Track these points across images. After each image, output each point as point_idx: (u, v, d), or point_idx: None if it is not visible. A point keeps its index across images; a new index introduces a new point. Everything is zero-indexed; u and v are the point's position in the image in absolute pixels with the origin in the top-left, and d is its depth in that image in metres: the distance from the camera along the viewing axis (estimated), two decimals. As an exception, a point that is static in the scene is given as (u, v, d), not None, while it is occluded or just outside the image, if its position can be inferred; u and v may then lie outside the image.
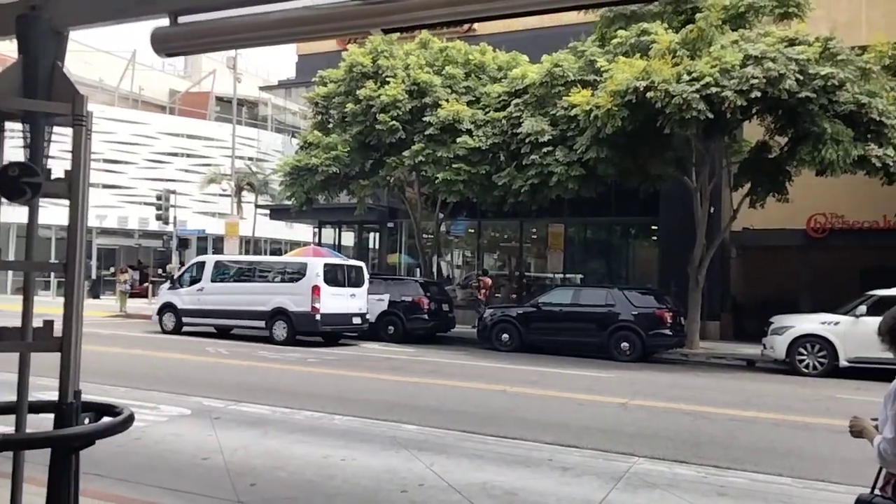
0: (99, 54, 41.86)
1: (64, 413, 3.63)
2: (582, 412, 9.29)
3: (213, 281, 17.71)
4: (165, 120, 42.03)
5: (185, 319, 17.86)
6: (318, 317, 16.34)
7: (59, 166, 3.72)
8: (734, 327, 21.38)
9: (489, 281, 21.38)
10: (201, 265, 18.53)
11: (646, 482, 6.15)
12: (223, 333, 17.37)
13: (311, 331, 16.78)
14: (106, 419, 3.73)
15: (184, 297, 17.96)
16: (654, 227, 22.56)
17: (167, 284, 19.86)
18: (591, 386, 11.59)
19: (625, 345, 15.61)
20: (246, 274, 18.18)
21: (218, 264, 18.52)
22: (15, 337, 3.73)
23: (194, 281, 18.27)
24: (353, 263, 18.31)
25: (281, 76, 36.30)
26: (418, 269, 25.16)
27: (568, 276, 22.46)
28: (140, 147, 38.12)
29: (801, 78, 13.65)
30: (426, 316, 17.84)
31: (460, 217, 23.17)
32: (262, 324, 16.52)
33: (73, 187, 3.72)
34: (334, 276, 17.04)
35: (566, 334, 16.31)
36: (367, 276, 17.93)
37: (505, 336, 16.69)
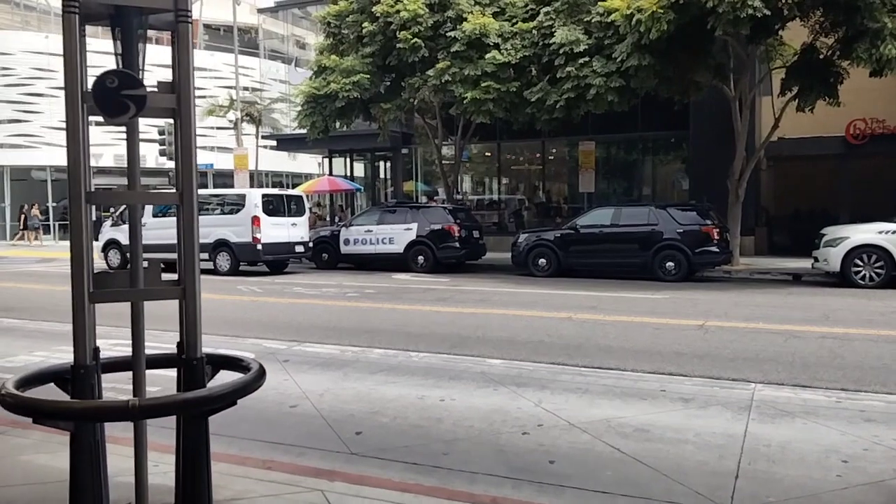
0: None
1: (194, 370, 2.98)
2: (663, 337, 8.73)
3: (154, 216, 17.15)
4: (154, 51, 40.22)
5: (127, 255, 17.08)
6: (259, 247, 16.81)
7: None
8: (768, 241, 20.83)
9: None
10: None
11: (779, 410, 5.60)
12: (169, 267, 16.80)
13: (254, 260, 17.31)
14: (238, 375, 3.09)
15: (126, 233, 17.15)
16: (683, 142, 21.70)
17: (109, 222, 19.72)
18: (654, 309, 11.03)
19: (670, 264, 15.02)
20: None
21: None
22: (124, 283, 3.05)
23: None
24: (292, 193, 19.04)
25: (268, 1, 34.53)
26: (436, 196, 24.43)
27: (587, 196, 21.72)
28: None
29: (863, -32, 12.64)
30: (457, 244, 17.18)
31: (479, 139, 22.19)
32: (205, 255, 16.54)
33: (182, 99, 2.98)
34: (274, 206, 17.48)
35: (607, 256, 15.71)
36: (307, 205, 19.00)
37: (542, 261, 16.08)
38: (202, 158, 32.87)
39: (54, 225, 36.33)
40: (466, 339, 8.52)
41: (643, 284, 14.25)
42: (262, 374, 3.06)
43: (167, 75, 3.10)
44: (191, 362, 2.97)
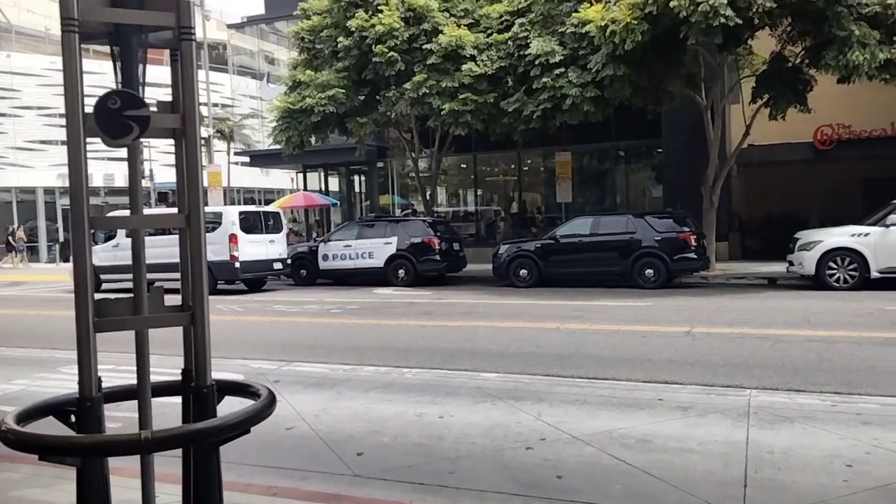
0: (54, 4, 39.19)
1: (205, 399, 2.89)
2: (651, 344, 8.75)
3: (128, 236, 16.71)
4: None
5: (102, 277, 16.77)
6: (237, 265, 16.53)
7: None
8: (741, 247, 21.11)
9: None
10: None
11: (777, 416, 5.62)
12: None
13: (232, 279, 17.05)
14: (250, 402, 3.00)
15: (99, 255, 16.87)
16: (655, 150, 21.95)
17: None
18: (638, 316, 11.08)
19: (649, 272, 15.13)
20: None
21: None
22: (127, 310, 2.95)
23: (109, 238, 17.49)
24: (270, 210, 18.91)
25: (235, 18, 34.40)
26: (411, 210, 24.38)
27: (564, 205, 21.82)
28: (93, 100, 36.00)
29: (830, -22, 12.93)
30: (438, 257, 17.13)
31: (455, 151, 22.20)
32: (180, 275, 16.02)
33: (187, 119, 2.89)
34: (251, 223, 17.30)
35: (587, 265, 15.77)
36: (284, 222, 18.74)
37: (523, 271, 16.10)
38: (168, 176, 32.58)
39: (47, 246, 35.35)
40: (457, 353, 8.46)
41: (624, 292, 14.33)
42: (272, 399, 2.97)
43: (153, 94, 3.01)
44: (201, 390, 2.88)
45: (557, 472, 4.58)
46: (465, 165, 24.83)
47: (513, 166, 24.12)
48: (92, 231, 2.72)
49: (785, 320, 10.32)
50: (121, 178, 29.30)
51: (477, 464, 4.78)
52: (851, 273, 13.96)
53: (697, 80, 16.95)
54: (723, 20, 12.71)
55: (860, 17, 13.55)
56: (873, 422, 5.44)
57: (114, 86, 2.97)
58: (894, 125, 18.74)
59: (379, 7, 16.82)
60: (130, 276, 3.05)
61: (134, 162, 3.06)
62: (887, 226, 13.73)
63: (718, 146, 17.15)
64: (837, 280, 14.04)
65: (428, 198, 20.69)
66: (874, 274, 13.69)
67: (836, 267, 14.10)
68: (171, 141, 2.97)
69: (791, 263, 14.96)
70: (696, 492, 4.17)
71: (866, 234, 13.95)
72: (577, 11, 14.99)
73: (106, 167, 33.36)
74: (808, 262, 14.34)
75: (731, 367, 7.39)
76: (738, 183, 21.79)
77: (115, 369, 5.97)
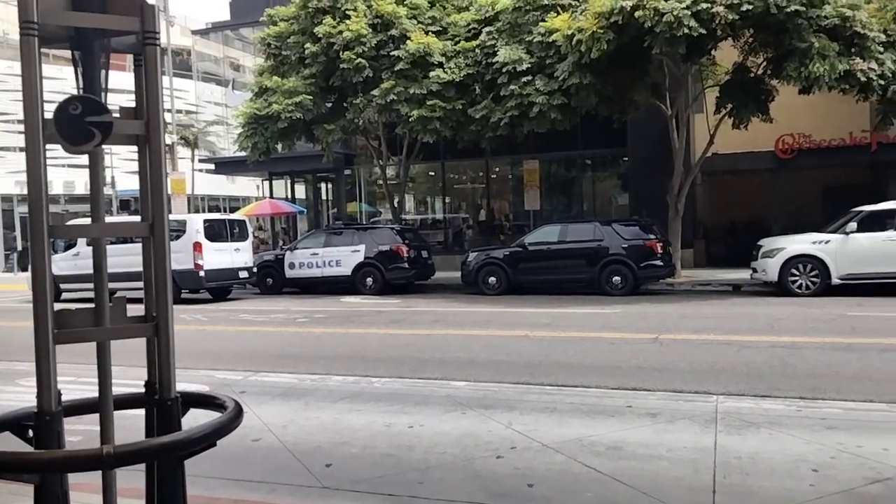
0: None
1: (169, 412, 2.82)
2: (620, 351, 8.81)
3: (89, 244, 16.36)
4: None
5: (62, 286, 16.26)
6: (201, 273, 16.28)
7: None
8: (706, 254, 21.41)
9: None
10: None
11: (744, 421, 5.68)
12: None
13: (196, 287, 16.83)
14: (216, 414, 2.93)
15: (59, 264, 16.43)
16: (621, 159, 22.19)
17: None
18: (607, 323, 11.15)
19: (616, 279, 15.26)
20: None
21: None
22: (88, 321, 2.86)
23: (69, 246, 17.14)
24: (235, 218, 18.61)
25: (199, 23, 34.05)
26: (380, 217, 24.30)
27: (532, 213, 21.96)
28: (55, 105, 35.30)
29: (790, -9, 13.21)
30: (406, 265, 17.07)
31: (423, 158, 22.21)
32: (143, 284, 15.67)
33: (150, 125, 2.82)
34: (216, 231, 17.07)
35: (556, 272, 15.86)
36: (250, 230, 18.53)
37: (492, 279, 16.12)
38: (130, 184, 32.05)
39: (4, 255, 34.37)
40: (426, 362, 8.41)
41: (592, 299, 14.43)
42: (239, 411, 2.90)
43: (115, 100, 2.94)
44: (165, 403, 2.81)
45: (528, 480, 4.56)
46: (433, 173, 24.84)
47: (481, 174, 24.20)
48: (51, 240, 2.64)
49: (750, 326, 10.47)
50: (81, 185, 28.73)
51: (447, 473, 4.74)
52: (813, 280, 14.24)
53: (662, 90, 17.19)
54: (686, 31, 12.93)
55: (819, 29, 13.87)
56: (837, 426, 5.52)
57: (75, 91, 2.88)
58: (853, 135, 19.18)
59: (347, 13, 16.77)
60: (91, 285, 2.96)
61: (96, 169, 2.98)
62: (847, 233, 14.03)
63: (683, 155, 17.39)
64: (800, 286, 14.30)
65: (396, 205, 20.65)
66: (835, 280, 13.98)
67: (798, 274, 14.37)
68: (134, 148, 2.90)
69: (755, 270, 15.22)
70: (666, 498, 4.18)
71: (827, 242, 14.24)
72: (543, 20, 15.13)
73: (66, 174, 32.69)
74: (771, 268, 14.59)
75: (698, 373, 7.47)
76: (702, 191, 22.13)
77: (76, 381, 5.81)
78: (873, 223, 14.09)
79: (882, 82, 14.14)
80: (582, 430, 5.59)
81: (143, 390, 2.99)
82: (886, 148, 18.77)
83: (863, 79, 13.96)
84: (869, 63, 13.96)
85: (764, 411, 5.98)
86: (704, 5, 12.99)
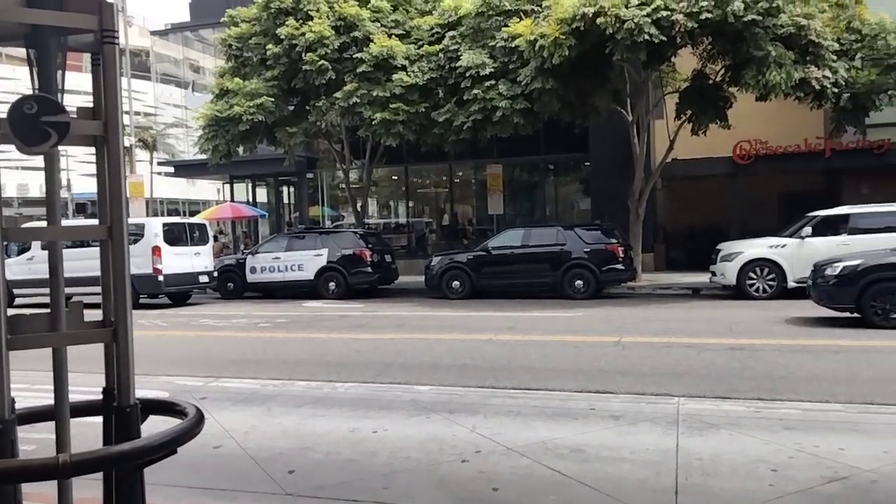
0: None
1: (128, 419, 2.74)
2: (583, 355, 8.87)
3: (44, 248, 16.02)
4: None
5: (15, 291, 15.79)
6: (160, 278, 16.03)
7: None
8: (666, 258, 21.74)
9: None
10: None
11: (705, 423, 5.75)
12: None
13: (155, 292, 16.55)
14: (176, 421, 2.86)
15: (13, 268, 16.04)
16: (583, 164, 22.41)
17: None
18: (570, 327, 11.24)
19: (579, 283, 15.39)
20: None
21: None
22: (43, 326, 2.78)
23: (23, 250, 16.77)
24: (195, 221, 18.34)
25: (158, 24, 33.50)
26: (342, 221, 24.15)
27: (495, 217, 22.03)
28: (6, 105, 34.42)
29: (748, 1, 13.49)
30: (369, 269, 16.97)
31: (386, 162, 22.14)
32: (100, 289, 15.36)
33: (109, 126, 2.75)
34: (176, 235, 16.82)
35: (519, 276, 15.93)
36: (210, 233, 18.22)
37: (456, 283, 16.13)
38: (87, 186, 31.37)
39: None
40: (390, 366, 8.37)
41: (555, 303, 14.52)
42: (200, 417, 2.84)
43: (71, 101, 2.85)
44: (123, 410, 2.73)
45: (493, 484, 4.56)
46: (396, 177, 24.78)
47: (444, 178, 24.22)
48: (5, 243, 2.55)
49: (709, 329, 10.64)
50: (36, 188, 28.00)
51: (412, 478, 4.71)
52: (770, 283, 14.55)
53: (623, 96, 17.41)
54: (647, 37, 13.13)
55: (776, 37, 14.19)
56: (795, 427, 5.63)
57: (29, 91, 2.80)
58: (807, 141, 19.66)
59: (309, 15, 16.65)
60: (47, 290, 2.87)
61: (51, 171, 2.89)
62: (802, 238, 14.37)
63: (644, 160, 17.64)
64: (757, 290, 14.60)
65: (359, 209, 20.53)
66: (791, 283, 14.29)
67: (755, 277, 14.66)
68: (91, 149, 2.82)
69: (714, 274, 15.49)
70: (629, 500, 4.21)
71: (783, 246, 14.57)
72: (506, 26, 15.22)
73: (20, 176, 31.85)
74: (729, 272, 14.87)
75: (659, 375, 7.56)
76: (662, 196, 22.46)
77: (30, 388, 5.64)
78: (827, 228, 14.44)
79: (835, 90, 14.54)
80: (546, 433, 5.61)
81: (100, 397, 2.91)
82: (840, 154, 19.27)
83: (817, 87, 14.32)
84: (823, 71, 14.33)
85: (724, 413, 6.07)
86: (664, 13, 13.22)
